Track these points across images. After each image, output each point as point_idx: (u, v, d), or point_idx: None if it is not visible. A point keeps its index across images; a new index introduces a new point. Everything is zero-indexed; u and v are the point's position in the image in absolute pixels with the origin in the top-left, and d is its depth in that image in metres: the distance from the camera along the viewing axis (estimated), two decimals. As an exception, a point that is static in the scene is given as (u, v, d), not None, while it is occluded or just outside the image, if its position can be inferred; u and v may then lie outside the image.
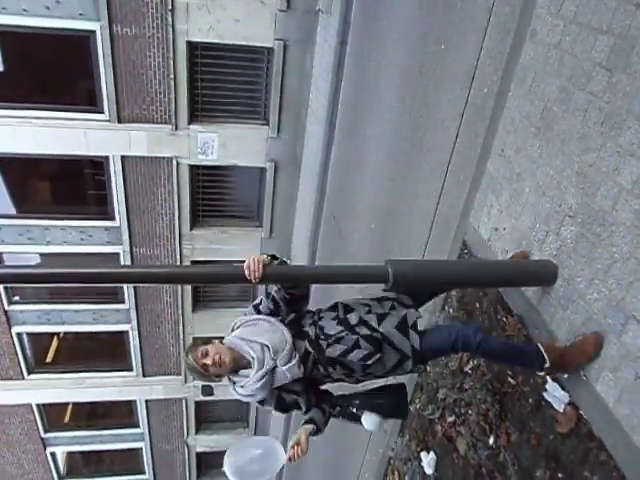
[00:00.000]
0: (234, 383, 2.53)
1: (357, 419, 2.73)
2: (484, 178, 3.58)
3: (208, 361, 2.41)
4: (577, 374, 2.69)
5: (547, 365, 2.62)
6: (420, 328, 2.61)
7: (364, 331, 2.51)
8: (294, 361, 2.43)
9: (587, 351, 2.57)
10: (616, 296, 2.45)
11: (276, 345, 2.43)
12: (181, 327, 10.76)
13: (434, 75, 4.54)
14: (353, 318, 2.55)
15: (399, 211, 5.36)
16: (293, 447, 2.47)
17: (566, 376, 2.79)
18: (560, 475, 2.85)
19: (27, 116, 7.95)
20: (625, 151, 2.41)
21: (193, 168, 8.84)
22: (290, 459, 2.46)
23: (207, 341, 2.49)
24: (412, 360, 2.55)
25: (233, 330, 2.58)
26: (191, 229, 9.45)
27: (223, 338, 2.55)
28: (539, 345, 2.67)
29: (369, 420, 2.71)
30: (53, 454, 12.84)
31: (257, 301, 2.64)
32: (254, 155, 8.83)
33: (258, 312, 2.59)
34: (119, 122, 8.12)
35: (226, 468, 2.41)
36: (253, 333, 2.49)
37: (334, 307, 2.64)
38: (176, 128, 8.28)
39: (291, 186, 9.17)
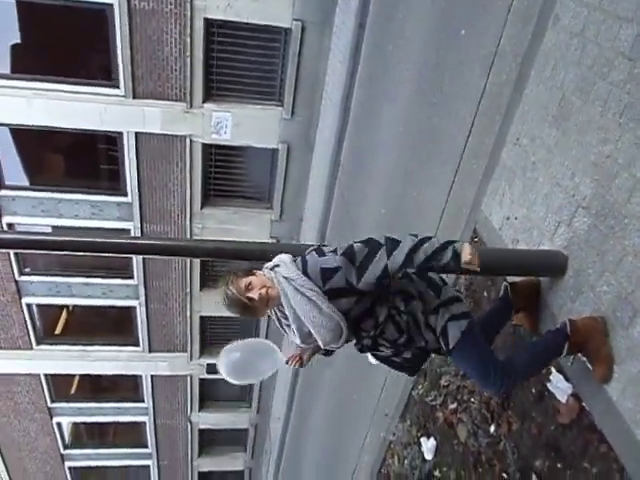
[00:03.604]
0: (279, 320, 2.39)
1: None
2: (498, 166, 3.55)
3: (254, 295, 2.21)
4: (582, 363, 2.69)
5: (567, 345, 2.58)
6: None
7: None
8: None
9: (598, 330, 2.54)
10: (626, 289, 2.43)
11: None
12: (188, 305, 10.85)
13: (452, 61, 4.48)
14: None
15: (410, 197, 5.34)
16: (295, 357, 2.42)
17: (570, 364, 2.79)
18: (559, 465, 2.87)
19: (42, 88, 7.97)
20: (643, 143, 2.38)
21: (206, 147, 8.84)
22: (287, 362, 2.41)
23: (249, 272, 2.29)
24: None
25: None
26: (202, 208, 9.48)
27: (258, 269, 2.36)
28: (567, 323, 2.59)
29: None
30: (59, 424, 13.09)
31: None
32: (267, 136, 8.81)
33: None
34: (134, 98, 8.12)
35: (220, 366, 2.31)
36: None
37: None
38: (191, 106, 8.27)
39: (303, 169, 9.15)
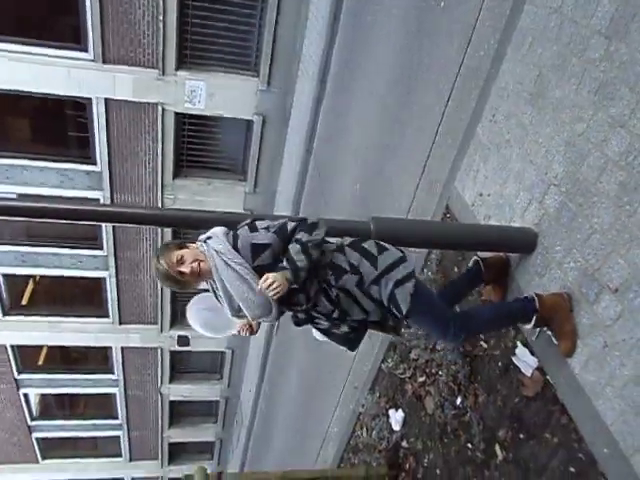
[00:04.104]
0: (214, 291, 2.38)
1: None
2: (472, 142, 3.55)
3: (186, 269, 2.21)
4: (546, 335, 2.75)
5: (535, 319, 2.62)
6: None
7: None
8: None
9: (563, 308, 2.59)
10: (593, 266, 2.48)
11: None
12: (160, 277, 10.71)
13: (431, 34, 4.43)
14: None
15: (385, 172, 5.33)
16: (245, 326, 2.45)
17: (534, 338, 2.85)
18: (522, 436, 2.95)
19: (7, 49, 7.63)
20: (616, 122, 2.40)
21: (179, 116, 8.64)
22: (238, 332, 2.46)
23: (181, 245, 2.29)
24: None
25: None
26: (174, 179, 9.31)
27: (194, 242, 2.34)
28: (535, 297, 2.64)
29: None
30: (26, 395, 12.94)
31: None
32: (242, 107, 8.64)
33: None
34: (104, 63, 7.85)
35: (193, 319, 2.41)
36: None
37: None
38: (163, 73, 8.04)
39: (278, 141, 9.03)
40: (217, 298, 2.39)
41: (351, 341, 2.58)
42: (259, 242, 2.22)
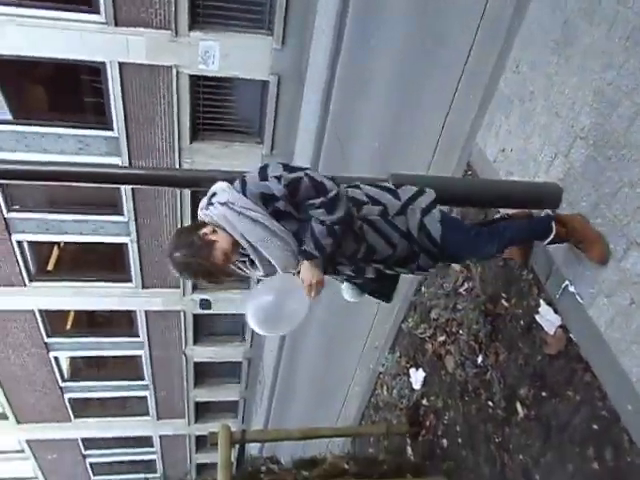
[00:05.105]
0: (238, 266, 2.22)
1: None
2: (495, 96, 3.42)
3: (235, 258, 2.12)
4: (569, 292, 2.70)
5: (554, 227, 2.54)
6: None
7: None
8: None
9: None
10: (621, 221, 2.39)
11: None
12: (180, 242, 10.79)
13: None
14: None
15: (404, 129, 5.20)
16: (310, 285, 2.09)
17: (558, 296, 2.79)
18: (544, 394, 2.93)
19: (17, 14, 7.54)
20: (648, 68, 2.27)
21: (194, 78, 8.52)
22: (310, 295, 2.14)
23: (203, 238, 2.02)
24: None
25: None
26: (191, 142, 9.25)
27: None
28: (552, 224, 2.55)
29: (349, 290, 2.52)
30: (56, 358, 13.37)
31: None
32: (257, 67, 8.48)
33: None
34: (116, 25, 7.73)
35: (251, 318, 2.05)
36: None
37: None
38: (176, 34, 7.89)
39: (295, 101, 8.87)
40: (243, 270, 2.23)
41: (383, 292, 2.54)
42: (269, 192, 2.00)
